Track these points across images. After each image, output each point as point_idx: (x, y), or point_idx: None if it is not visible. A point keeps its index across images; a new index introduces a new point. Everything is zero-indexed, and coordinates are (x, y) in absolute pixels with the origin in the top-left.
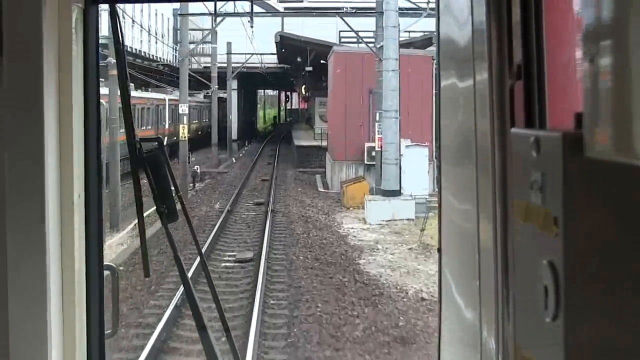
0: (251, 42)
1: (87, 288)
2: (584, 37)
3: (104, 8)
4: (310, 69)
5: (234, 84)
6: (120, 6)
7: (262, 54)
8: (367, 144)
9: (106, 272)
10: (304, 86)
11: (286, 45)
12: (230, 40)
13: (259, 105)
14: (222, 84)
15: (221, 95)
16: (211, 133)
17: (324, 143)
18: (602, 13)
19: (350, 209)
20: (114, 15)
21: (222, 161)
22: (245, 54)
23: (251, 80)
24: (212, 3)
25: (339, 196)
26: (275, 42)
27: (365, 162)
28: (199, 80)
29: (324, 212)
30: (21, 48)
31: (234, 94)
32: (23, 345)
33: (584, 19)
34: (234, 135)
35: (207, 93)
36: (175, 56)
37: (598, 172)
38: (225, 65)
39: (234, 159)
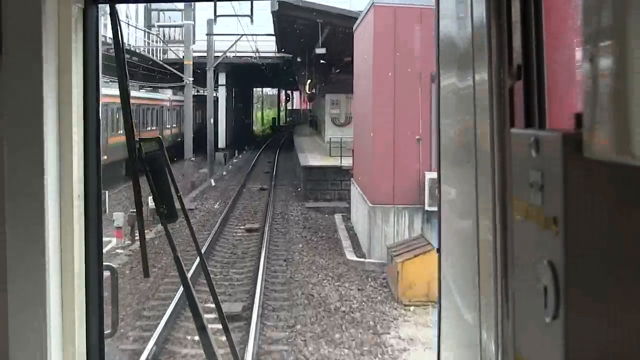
0: (240, 24)
1: (86, 288)
2: (583, 37)
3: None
4: (322, 51)
5: (221, 79)
6: None
7: (254, 35)
8: (428, 175)
9: (106, 273)
10: (309, 81)
11: (287, 20)
12: (220, 26)
13: (256, 105)
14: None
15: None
16: (188, 143)
17: (345, 163)
18: (601, 14)
19: (411, 308)
20: (114, 15)
21: (196, 184)
22: (233, 35)
23: (244, 75)
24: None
25: (382, 270)
26: (272, 13)
27: (426, 207)
28: (177, 75)
29: (372, 334)
30: (21, 48)
31: (222, 91)
32: (22, 346)
33: (584, 19)
34: (222, 143)
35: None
36: (148, 42)
37: (597, 172)
38: (213, 55)
39: (213, 180)
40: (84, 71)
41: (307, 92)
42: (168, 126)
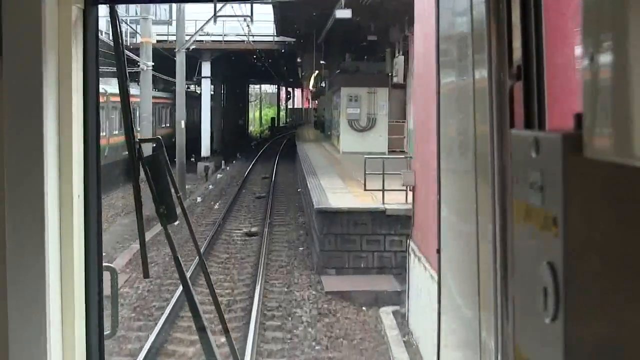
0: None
1: (86, 289)
2: (583, 37)
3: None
4: (346, 14)
5: (205, 69)
6: None
7: (245, 2)
8: None
9: (105, 273)
10: (316, 73)
11: None
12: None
13: (254, 104)
14: (189, 70)
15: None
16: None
17: (391, 201)
18: (601, 13)
19: None
20: (113, 16)
21: (151, 222)
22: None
23: (237, 68)
24: None
25: None
26: None
27: None
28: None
29: None
30: (21, 48)
31: (206, 85)
32: (22, 346)
33: (583, 19)
34: (206, 150)
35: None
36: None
37: (598, 173)
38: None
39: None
40: (84, 71)
41: (312, 88)
42: (104, 134)
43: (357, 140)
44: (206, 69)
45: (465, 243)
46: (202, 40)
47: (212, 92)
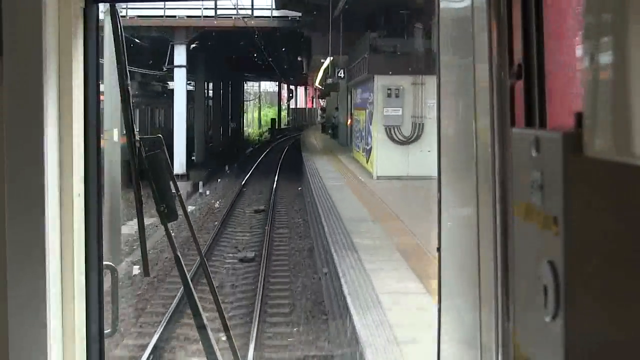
0: None
1: (86, 287)
2: (584, 36)
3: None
4: None
5: (179, 55)
6: None
7: None
8: None
9: (106, 272)
10: (330, 59)
11: None
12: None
13: (253, 103)
14: (159, 56)
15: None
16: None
17: None
18: (602, 13)
19: None
20: (114, 15)
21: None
22: None
23: (229, 61)
24: None
25: None
26: None
27: None
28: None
29: None
30: (21, 48)
31: (180, 77)
32: (22, 345)
33: (584, 18)
34: (179, 166)
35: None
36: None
37: (598, 172)
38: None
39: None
40: (84, 70)
41: (319, 85)
42: None
43: (397, 157)
44: (180, 54)
45: (465, 242)
46: (175, 16)
47: (193, 88)
